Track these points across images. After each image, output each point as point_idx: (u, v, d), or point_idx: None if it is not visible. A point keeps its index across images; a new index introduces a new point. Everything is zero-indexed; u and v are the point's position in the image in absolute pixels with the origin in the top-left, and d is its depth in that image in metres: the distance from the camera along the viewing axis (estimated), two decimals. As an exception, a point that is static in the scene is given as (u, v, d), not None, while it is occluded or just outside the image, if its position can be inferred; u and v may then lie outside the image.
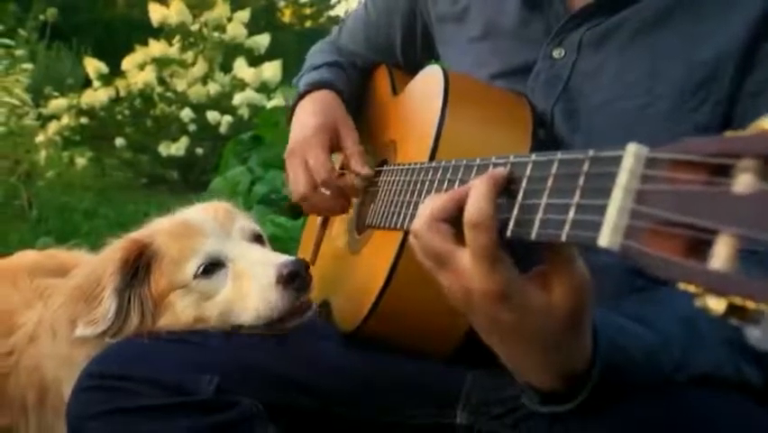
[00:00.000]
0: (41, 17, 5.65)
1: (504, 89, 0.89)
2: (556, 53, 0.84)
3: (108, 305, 0.88)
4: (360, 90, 1.16)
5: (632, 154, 0.43)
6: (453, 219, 0.57)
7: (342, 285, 0.97)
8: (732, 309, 0.35)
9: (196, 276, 0.89)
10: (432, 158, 0.79)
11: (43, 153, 4.24)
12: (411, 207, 0.77)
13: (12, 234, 2.70)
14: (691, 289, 0.36)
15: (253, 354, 0.84)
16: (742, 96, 0.76)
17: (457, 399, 0.85)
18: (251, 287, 0.87)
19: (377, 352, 0.85)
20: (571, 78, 0.83)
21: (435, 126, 0.80)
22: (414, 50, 1.12)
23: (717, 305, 0.35)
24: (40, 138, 4.37)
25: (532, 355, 0.59)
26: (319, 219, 1.18)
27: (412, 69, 1.12)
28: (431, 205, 0.59)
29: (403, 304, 0.81)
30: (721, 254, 0.34)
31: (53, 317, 0.98)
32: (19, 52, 3.82)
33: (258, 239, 0.98)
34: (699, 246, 0.36)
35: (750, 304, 0.33)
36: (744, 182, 0.34)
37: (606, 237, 0.43)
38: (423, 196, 0.74)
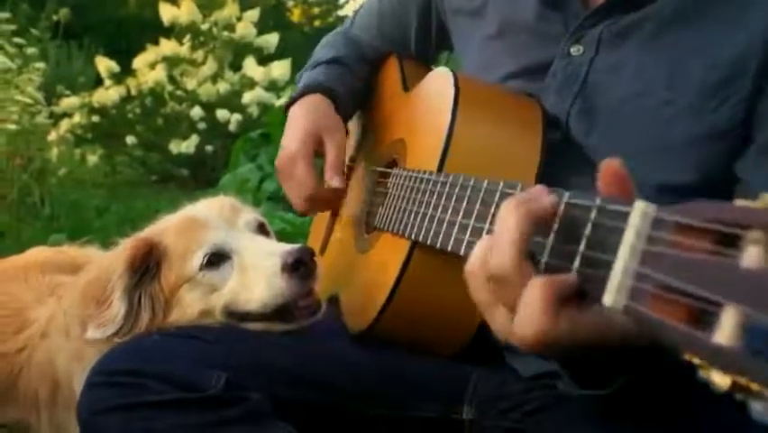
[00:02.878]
0: (54, 17, 5.70)
1: (514, 92, 0.88)
2: (574, 50, 0.83)
3: (117, 307, 0.89)
4: (368, 84, 1.16)
5: (639, 212, 0.42)
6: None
7: (350, 283, 0.98)
8: (737, 387, 0.33)
9: (201, 268, 0.90)
10: (441, 165, 0.80)
11: (55, 151, 4.28)
12: (419, 218, 0.78)
13: (25, 230, 2.73)
14: (695, 360, 0.35)
15: (262, 350, 0.85)
16: (764, 95, 0.75)
17: (463, 394, 0.85)
18: (256, 276, 0.88)
19: (385, 348, 0.86)
20: (589, 75, 0.82)
21: (445, 134, 0.81)
22: (428, 43, 1.11)
23: (721, 380, 0.33)
24: (52, 136, 4.40)
25: (595, 353, 0.54)
26: (328, 214, 1.19)
27: (425, 60, 1.12)
28: (519, 238, 0.51)
29: (410, 309, 0.82)
30: (726, 329, 0.33)
31: (65, 314, 0.99)
32: (31, 51, 3.84)
33: (263, 230, 0.99)
34: (704, 317, 0.34)
35: (754, 386, 0.32)
36: (752, 255, 0.32)
37: (610, 297, 0.42)
38: (431, 208, 0.75)
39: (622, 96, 0.80)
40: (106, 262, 0.96)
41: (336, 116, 1.05)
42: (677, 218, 0.39)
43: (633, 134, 0.79)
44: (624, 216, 0.43)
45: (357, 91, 1.13)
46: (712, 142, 0.76)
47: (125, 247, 0.93)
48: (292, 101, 1.07)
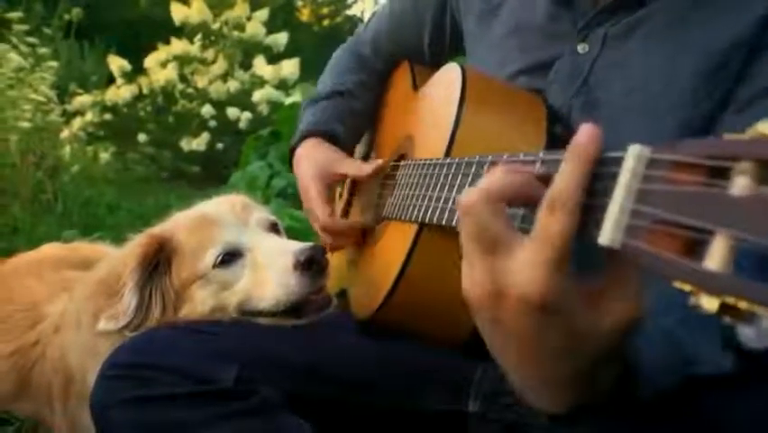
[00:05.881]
0: (66, 16, 5.75)
1: (520, 88, 0.90)
2: (581, 48, 0.85)
3: (129, 300, 0.90)
4: (377, 96, 1.19)
5: (633, 156, 0.43)
6: (517, 203, 0.49)
7: (358, 275, 0.99)
8: (725, 309, 0.35)
9: (214, 266, 0.91)
10: (447, 155, 0.80)
11: (68, 149, 4.31)
12: (425, 200, 0.78)
13: (38, 227, 2.75)
14: (686, 287, 0.37)
15: (273, 343, 0.86)
16: (744, 81, 0.76)
17: (469, 388, 0.86)
18: (269, 274, 0.89)
19: (392, 341, 0.87)
20: (592, 70, 0.84)
21: (451, 125, 0.82)
22: (441, 46, 1.13)
23: (710, 304, 0.35)
24: (64, 134, 4.44)
25: (552, 377, 0.50)
26: (339, 210, 1.20)
27: (437, 64, 1.13)
28: (495, 182, 0.48)
29: (416, 295, 0.82)
30: (716, 255, 0.35)
31: (78, 309, 1.00)
32: (44, 50, 3.88)
33: (274, 228, 1.00)
34: (696, 246, 0.36)
35: (742, 304, 0.34)
36: (740, 185, 0.34)
37: (607, 236, 0.43)
38: (437, 190, 0.75)
39: (622, 90, 0.82)
40: (118, 257, 0.98)
41: (341, 152, 1.10)
42: (671, 157, 0.40)
43: (631, 126, 0.81)
44: (618, 161, 0.44)
45: (358, 115, 1.17)
46: (706, 127, 0.78)
47: (137, 243, 0.95)
48: (298, 141, 1.13)
